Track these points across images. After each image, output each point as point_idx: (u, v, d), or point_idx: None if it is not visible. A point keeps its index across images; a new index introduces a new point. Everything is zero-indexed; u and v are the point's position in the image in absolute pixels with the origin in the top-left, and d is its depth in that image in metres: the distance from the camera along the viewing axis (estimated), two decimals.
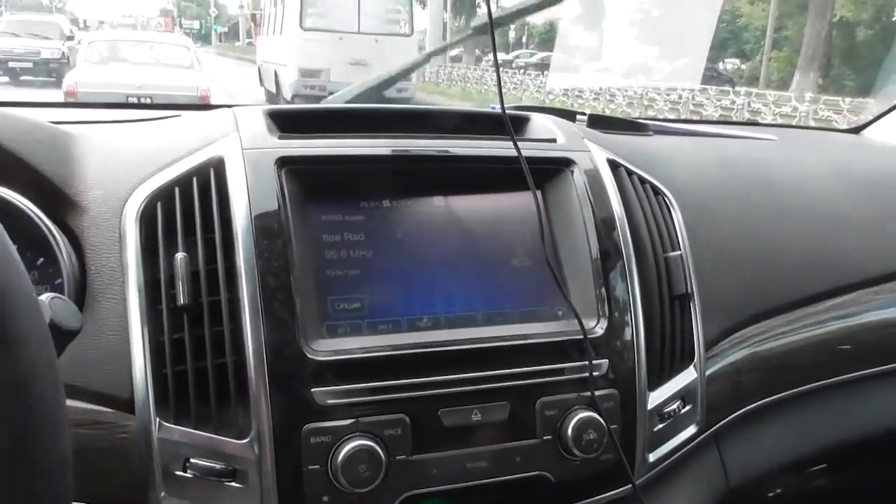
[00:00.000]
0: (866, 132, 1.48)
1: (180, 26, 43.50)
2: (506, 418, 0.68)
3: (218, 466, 0.62)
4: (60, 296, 0.48)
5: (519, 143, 0.73)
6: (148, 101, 6.55)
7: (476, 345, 0.68)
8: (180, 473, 0.62)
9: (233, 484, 0.62)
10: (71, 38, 13.19)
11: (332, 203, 0.71)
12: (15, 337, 0.36)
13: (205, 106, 0.93)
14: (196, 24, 45.96)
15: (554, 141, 0.81)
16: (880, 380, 0.98)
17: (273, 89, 12.00)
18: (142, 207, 0.67)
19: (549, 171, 0.78)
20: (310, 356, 0.63)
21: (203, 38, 44.19)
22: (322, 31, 10.74)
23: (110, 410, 0.63)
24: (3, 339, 0.36)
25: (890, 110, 1.49)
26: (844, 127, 1.55)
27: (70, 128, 0.77)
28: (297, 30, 10.79)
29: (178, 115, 0.89)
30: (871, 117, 1.52)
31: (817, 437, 0.96)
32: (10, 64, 11.09)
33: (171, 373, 0.63)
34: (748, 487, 0.90)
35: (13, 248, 0.40)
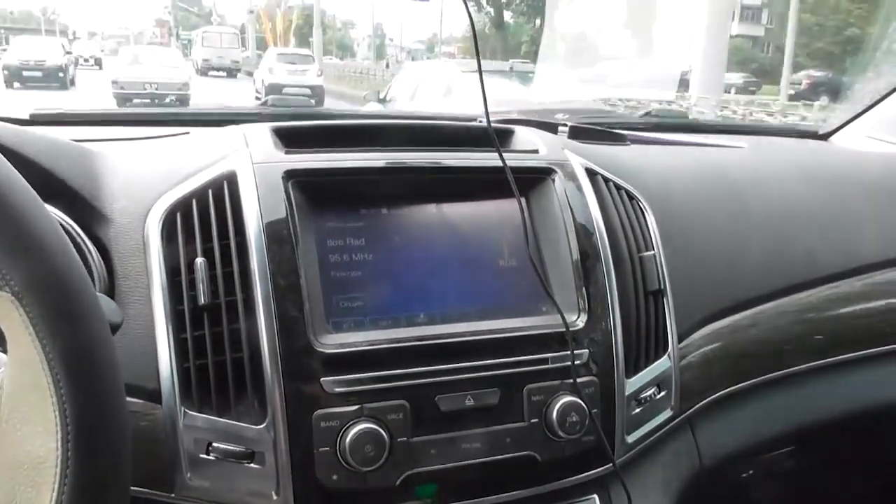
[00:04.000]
0: (834, 138, 1.55)
1: (177, 37, 41.92)
2: (496, 403, 0.75)
3: (238, 449, 0.68)
4: (101, 294, 0.55)
5: (504, 154, 0.80)
6: (155, 87, 12.27)
7: (468, 337, 0.75)
8: (204, 456, 0.68)
9: (251, 465, 0.69)
10: (69, 52, 18.31)
11: (335, 211, 0.78)
12: (84, 314, 0.44)
13: (214, 122, 1.00)
14: (193, 36, 45.09)
15: (536, 152, 0.88)
16: (839, 368, 1.06)
17: None
18: (163, 217, 0.74)
19: (532, 180, 0.85)
20: (318, 349, 0.70)
21: None
22: None
23: (139, 400, 0.69)
24: (78, 315, 0.43)
25: (856, 117, 1.56)
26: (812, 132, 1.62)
27: (92, 146, 0.84)
28: None
29: (188, 133, 0.96)
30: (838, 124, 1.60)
31: (783, 421, 1.04)
32: (24, 73, 16.01)
33: (193, 366, 0.69)
34: (721, 468, 0.97)
35: (74, 250, 0.47)
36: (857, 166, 1.34)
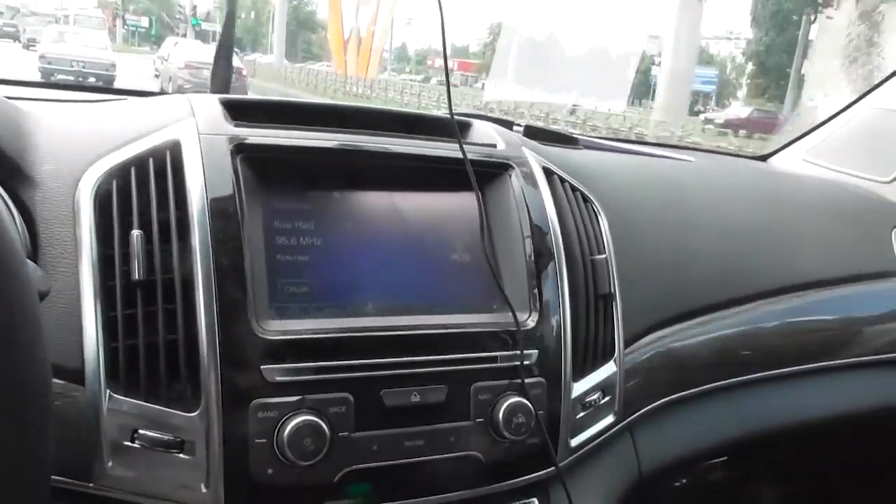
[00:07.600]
0: (772, 160, 1.62)
1: (124, 22, 36.87)
2: (443, 400, 0.73)
3: (166, 437, 0.64)
4: (28, 261, 0.49)
5: (463, 146, 0.78)
6: (82, 65, 13.31)
7: (417, 331, 0.73)
8: (128, 444, 0.63)
9: (180, 455, 0.64)
10: None
11: (284, 191, 0.74)
12: (9, 287, 0.39)
13: (155, 92, 0.94)
14: (144, 21, 37.81)
15: (495, 146, 0.87)
16: (776, 381, 1.09)
17: None
18: (97, 184, 0.68)
19: (490, 174, 0.84)
20: (259, 335, 0.66)
21: (154, 38, 35.55)
22: None
23: (59, 381, 0.63)
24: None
25: (793, 142, 1.64)
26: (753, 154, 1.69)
27: (22, 104, 0.78)
28: None
29: (125, 99, 0.90)
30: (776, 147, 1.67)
31: (719, 432, 1.05)
32: None
33: (122, 346, 0.64)
34: (658, 476, 0.98)
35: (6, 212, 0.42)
36: (794, 188, 1.39)
